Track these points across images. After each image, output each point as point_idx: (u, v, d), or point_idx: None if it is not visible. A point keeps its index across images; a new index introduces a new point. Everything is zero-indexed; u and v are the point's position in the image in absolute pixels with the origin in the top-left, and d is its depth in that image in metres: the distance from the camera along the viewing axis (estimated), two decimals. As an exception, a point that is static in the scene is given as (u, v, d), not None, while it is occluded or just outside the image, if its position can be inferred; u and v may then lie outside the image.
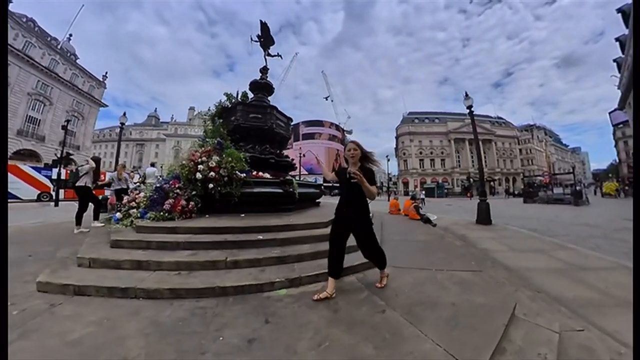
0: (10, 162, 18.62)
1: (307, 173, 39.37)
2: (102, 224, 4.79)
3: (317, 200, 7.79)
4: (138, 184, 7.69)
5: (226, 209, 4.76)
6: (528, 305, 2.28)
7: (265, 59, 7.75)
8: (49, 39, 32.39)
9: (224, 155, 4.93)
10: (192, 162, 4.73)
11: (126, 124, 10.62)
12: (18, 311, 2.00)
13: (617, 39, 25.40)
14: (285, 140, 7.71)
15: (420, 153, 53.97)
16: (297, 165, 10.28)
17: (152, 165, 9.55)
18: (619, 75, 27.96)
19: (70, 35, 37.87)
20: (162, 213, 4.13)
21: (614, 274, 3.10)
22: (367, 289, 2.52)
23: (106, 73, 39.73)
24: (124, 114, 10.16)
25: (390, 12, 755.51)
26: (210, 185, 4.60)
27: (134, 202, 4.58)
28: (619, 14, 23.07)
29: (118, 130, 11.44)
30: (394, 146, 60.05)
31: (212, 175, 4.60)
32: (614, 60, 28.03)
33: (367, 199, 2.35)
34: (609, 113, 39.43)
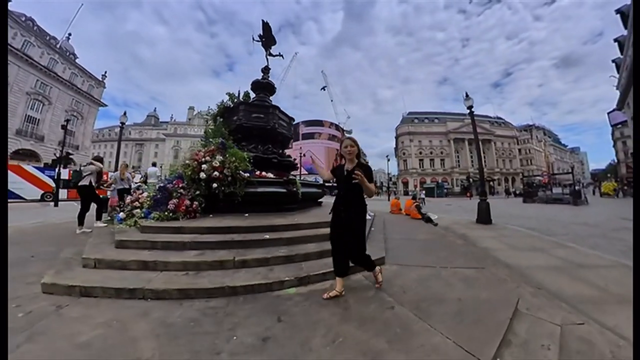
0: (10, 162, 18.57)
1: (307, 173, 39.42)
2: (105, 224, 4.78)
3: (319, 200, 7.82)
4: (139, 183, 7.72)
5: (230, 208, 4.78)
6: (530, 300, 2.34)
7: (267, 59, 7.77)
8: (48, 38, 32.24)
9: (227, 155, 4.94)
10: (195, 162, 4.75)
11: (126, 123, 10.60)
12: (24, 313, 1.94)
13: (615, 40, 25.45)
14: (288, 140, 7.74)
15: (420, 153, 53.99)
16: (298, 165, 10.29)
17: (154, 165, 9.58)
18: (617, 75, 28.01)
19: (70, 34, 37.79)
20: (166, 213, 4.13)
21: (613, 272, 3.15)
22: (374, 286, 2.55)
23: (105, 72, 39.60)
24: (125, 113, 10.10)
25: (390, 12, 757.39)
26: (214, 185, 4.61)
27: (137, 202, 4.60)
28: (618, 15, 23.15)
29: (117, 130, 11.48)
30: (394, 146, 60.11)
31: (216, 175, 4.61)
32: (613, 61, 28.08)
33: (366, 196, 2.33)
34: (608, 113, 39.50)
